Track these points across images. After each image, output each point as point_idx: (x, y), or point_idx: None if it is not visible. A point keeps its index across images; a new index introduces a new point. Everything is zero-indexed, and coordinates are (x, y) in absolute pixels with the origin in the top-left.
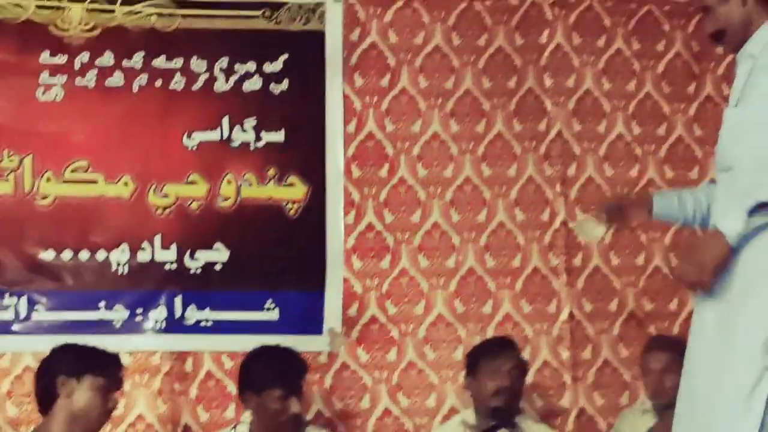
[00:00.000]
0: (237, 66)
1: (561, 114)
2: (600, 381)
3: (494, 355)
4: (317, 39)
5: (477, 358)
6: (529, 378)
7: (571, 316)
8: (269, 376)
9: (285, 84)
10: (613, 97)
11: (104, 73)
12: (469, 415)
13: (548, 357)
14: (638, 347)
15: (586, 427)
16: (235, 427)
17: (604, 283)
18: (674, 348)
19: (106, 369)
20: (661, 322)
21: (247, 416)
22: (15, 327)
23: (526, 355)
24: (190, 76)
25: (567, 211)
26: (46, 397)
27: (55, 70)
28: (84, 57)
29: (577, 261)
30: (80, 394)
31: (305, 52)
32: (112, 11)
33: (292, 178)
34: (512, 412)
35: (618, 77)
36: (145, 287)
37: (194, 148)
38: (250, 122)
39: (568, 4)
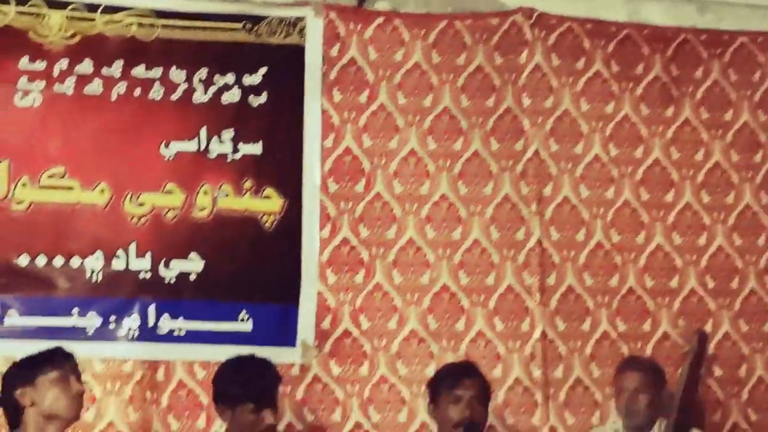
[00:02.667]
0: (216, 77)
1: (538, 134)
2: (571, 400)
3: (455, 384)
4: (297, 53)
5: (437, 388)
6: (501, 396)
7: (544, 335)
8: (243, 389)
9: (264, 97)
10: (591, 118)
11: (83, 80)
12: None
13: (520, 375)
14: (611, 367)
15: None
16: None
17: (578, 303)
18: (647, 369)
19: (54, 362)
20: (634, 343)
21: (218, 427)
22: None
23: (498, 372)
24: (169, 86)
25: (542, 231)
26: (13, 412)
27: (33, 76)
28: (63, 64)
29: (551, 281)
30: (39, 396)
31: (284, 65)
32: (93, 19)
33: (269, 191)
34: None
35: (596, 99)
36: (118, 295)
37: (171, 158)
38: (228, 134)
39: (547, 25)
